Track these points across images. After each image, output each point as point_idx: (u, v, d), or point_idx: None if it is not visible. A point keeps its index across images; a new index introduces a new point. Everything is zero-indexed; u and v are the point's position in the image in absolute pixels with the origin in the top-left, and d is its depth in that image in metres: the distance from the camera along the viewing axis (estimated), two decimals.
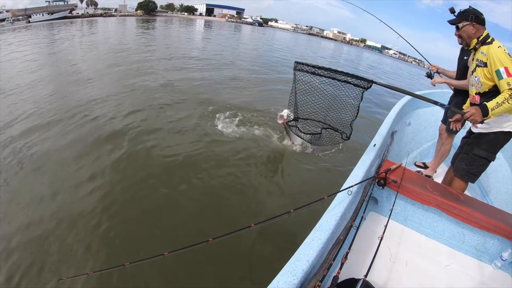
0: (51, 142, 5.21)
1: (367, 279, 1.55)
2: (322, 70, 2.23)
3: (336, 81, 2.21)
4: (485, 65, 2.23)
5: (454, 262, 2.19)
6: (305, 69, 2.30)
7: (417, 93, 4.40)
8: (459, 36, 2.47)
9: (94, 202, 3.69)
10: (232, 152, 5.14)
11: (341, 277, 1.52)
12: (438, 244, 2.34)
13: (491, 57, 2.17)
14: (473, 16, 2.30)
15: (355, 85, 2.20)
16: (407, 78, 27.71)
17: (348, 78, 2.19)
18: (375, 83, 2.21)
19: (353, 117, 2.43)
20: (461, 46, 3.44)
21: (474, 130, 2.59)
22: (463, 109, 2.35)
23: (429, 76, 3.72)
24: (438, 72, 3.71)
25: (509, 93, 2.03)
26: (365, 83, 2.17)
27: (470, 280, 2.07)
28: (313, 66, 2.26)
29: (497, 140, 2.47)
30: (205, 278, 2.77)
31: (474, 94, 2.45)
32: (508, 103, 2.03)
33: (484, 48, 2.27)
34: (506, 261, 2.14)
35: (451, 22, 2.45)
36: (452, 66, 3.58)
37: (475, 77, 2.38)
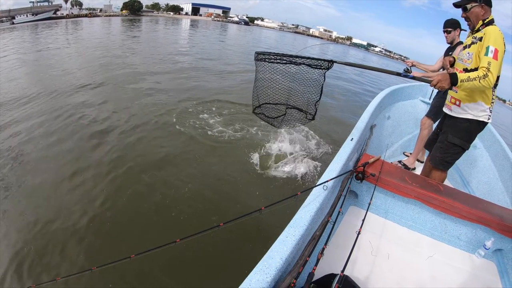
0: (36, 139, 5.12)
1: (348, 273, 1.51)
2: (283, 57, 2.26)
3: (298, 65, 2.24)
4: (480, 39, 2.19)
5: (437, 253, 2.18)
6: (266, 59, 2.32)
7: (396, 87, 4.48)
8: (466, 18, 2.38)
9: (67, 202, 3.61)
10: (204, 147, 5.06)
11: (319, 273, 1.48)
12: (420, 236, 2.32)
13: (489, 33, 2.14)
14: None
15: (316, 66, 2.24)
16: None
17: (309, 61, 2.22)
18: (335, 62, 2.25)
19: (317, 97, 2.46)
20: (448, 44, 3.53)
21: (448, 112, 2.58)
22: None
23: (407, 71, 3.81)
24: (413, 65, 3.78)
25: (484, 72, 2.00)
26: (326, 64, 2.22)
27: (454, 270, 2.07)
28: (275, 54, 2.29)
29: (471, 128, 2.47)
30: (174, 279, 2.69)
31: (461, 70, 2.39)
32: (479, 82, 2.01)
33: (484, 29, 2.23)
34: (489, 249, 2.14)
35: (458, 4, 2.38)
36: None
37: (468, 53, 2.34)
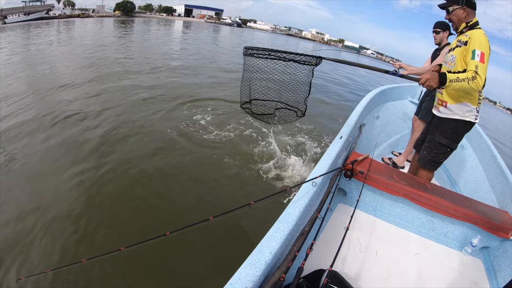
0: (25, 137, 5.08)
1: (336, 269, 1.53)
2: (272, 53, 2.26)
3: (286, 61, 2.25)
4: (465, 43, 2.22)
5: (425, 250, 2.20)
6: (255, 54, 2.32)
7: (385, 87, 4.54)
8: (450, 20, 2.43)
9: (56, 197, 3.60)
10: (195, 145, 5.07)
11: (307, 268, 1.49)
12: (408, 233, 2.35)
13: (474, 37, 2.16)
14: (464, 0, 2.28)
15: (304, 62, 2.25)
16: (382, 76, 28.40)
17: (298, 57, 2.23)
18: (324, 58, 2.27)
19: (306, 94, 2.48)
20: (437, 46, 3.57)
21: (436, 113, 2.61)
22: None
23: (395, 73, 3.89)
24: (401, 67, 3.84)
25: (473, 75, 2.02)
26: (314, 60, 2.23)
27: (441, 267, 2.09)
28: (263, 49, 2.29)
29: (458, 128, 2.49)
30: (163, 274, 2.68)
31: (445, 72, 2.43)
32: (468, 84, 2.03)
33: (469, 32, 2.26)
34: (476, 247, 2.17)
35: (441, 6, 2.42)
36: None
37: (451, 55, 2.38)
